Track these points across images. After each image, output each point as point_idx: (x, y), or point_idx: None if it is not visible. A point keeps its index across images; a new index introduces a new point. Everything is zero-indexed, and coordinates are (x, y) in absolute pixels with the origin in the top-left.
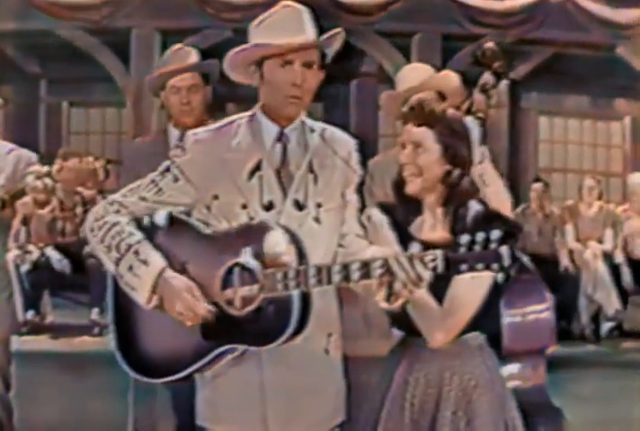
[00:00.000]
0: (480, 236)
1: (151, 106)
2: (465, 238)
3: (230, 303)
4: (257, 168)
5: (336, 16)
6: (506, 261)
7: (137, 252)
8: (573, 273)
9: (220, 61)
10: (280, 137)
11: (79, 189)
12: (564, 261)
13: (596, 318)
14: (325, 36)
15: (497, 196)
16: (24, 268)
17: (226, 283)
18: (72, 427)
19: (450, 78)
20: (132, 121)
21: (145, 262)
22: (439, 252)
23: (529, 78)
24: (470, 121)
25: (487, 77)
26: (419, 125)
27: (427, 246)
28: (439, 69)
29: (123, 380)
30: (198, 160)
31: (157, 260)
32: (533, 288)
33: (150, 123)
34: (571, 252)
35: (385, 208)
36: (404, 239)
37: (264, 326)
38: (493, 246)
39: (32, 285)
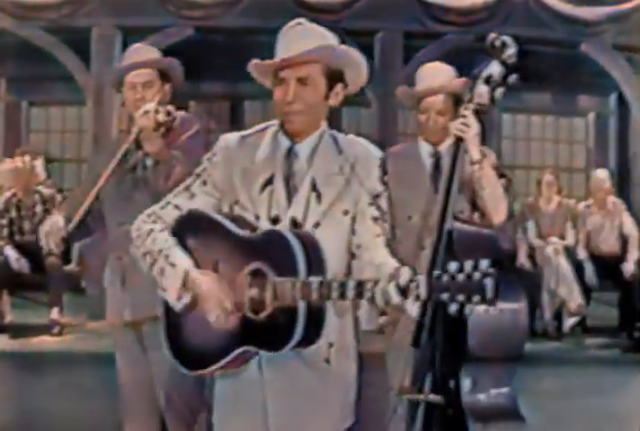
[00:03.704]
0: (468, 265)
1: (112, 104)
2: (453, 266)
3: (252, 306)
4: (269, 182)
5: (300, 15)
6: (489, 294)
7: (167, 256)
8: (530, 270)
9: (184, 59)
10: (289, 153)
11: (39, 188)
12: (521, 258)
13: (558, 315)
14: (306, 50)
15: (493, 199)
16: None
17: (249, 285)
18: (29, 427)
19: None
20: (93, 120)
21: (172, 265)
22: (421, 278)
23: None
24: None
25: (495, 68)
26: None
27: None
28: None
29: (81, 379)
30: (223, 166)
31: (184, 262)
32: (508, 287)
33: (111, 121)
34: (533, 249)
35: None
36: None
37: (275, 332)
38: (477, 276)
39: None
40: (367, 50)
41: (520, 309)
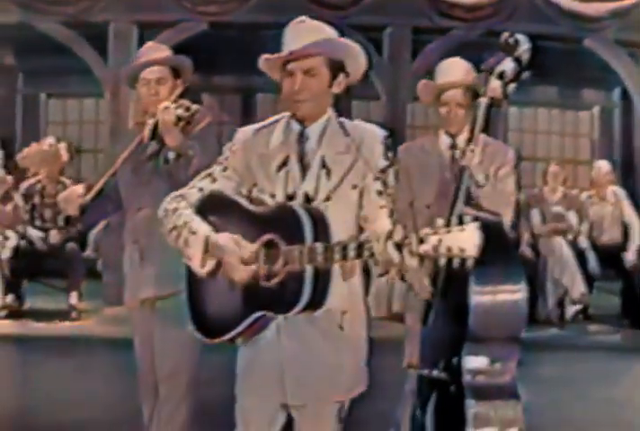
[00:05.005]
0: (454, 220)
1: (128, 97)
2: (439, 222)
3: (264, 274)
4: (284, 163)
5: (311, 11)
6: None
7: (190, 227)
8: (531, 257)
9: (197, 53)
10: (301, 136)
11: (63, 178)
12: (523, 246)
13: (561, 303)
14: (307, 44)
15: (496, 209)
16: (4, 254)
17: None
18: (47, 409)
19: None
20: (110, 111)
21: (194, 233)
22: (412, 235)
23: None
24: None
25: (508, 64)
26: None
27: None
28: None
29: (99, 363)
30: (242, 153)
31: (204, 228)
32: (509, 269)
33: (127, 113)
34: (536, 238)
35: None
36: None
37: (285, 296)
38: (458, 229)
39: (13, 270)
40: (376, 45)
41: (520, 290)
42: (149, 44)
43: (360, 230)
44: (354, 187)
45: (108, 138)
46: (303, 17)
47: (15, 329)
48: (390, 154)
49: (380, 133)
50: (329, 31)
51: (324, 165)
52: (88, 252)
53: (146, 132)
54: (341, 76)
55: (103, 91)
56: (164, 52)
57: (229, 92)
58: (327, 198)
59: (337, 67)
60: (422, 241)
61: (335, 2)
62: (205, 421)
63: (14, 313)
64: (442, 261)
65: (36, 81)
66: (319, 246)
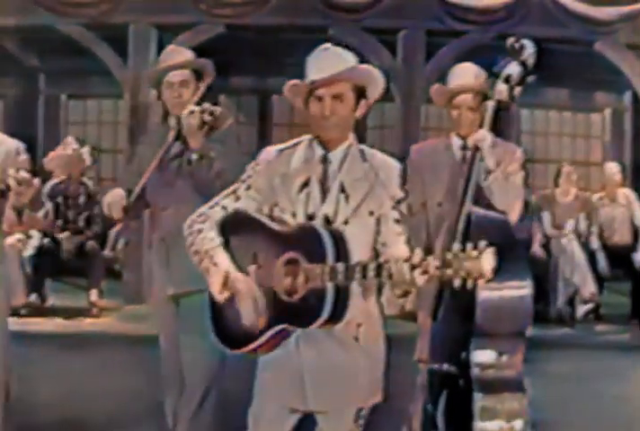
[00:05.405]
0: (469, 246)
1: (147, 98)
2: (455, 246)
3: (286, 290)
4: (306, 184)
5: (326, 14)
6: (485, 269)
7: (212, 256)
8: (542, 258)
9: (214, 55)
10: (324, 160)
11: (84, 179)
12: (535, 246)
13: (572, 303)
14: (337, 71)
15: (504, 203)
16: (27, 252)
17: (284, 273)
18: (70, 403)
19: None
20: (129, 112)
21: (215, 264)
22: (430, 258)
23: None
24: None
25: (514, 68)
26: None
27: None
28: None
29: (119, 359)
30: (265, 173)
31: (225, 263)
32: (515, 266)
33: (146, 114)
34: (548, 238)
35: None
36: None
37: (307, 311)
38: (474, 254)
39: (35, 269)
40: (390, 48)
41: (526, 287)
42: (172, 47)
43: (376, 254)
44: (371, 213)
45: (127, 139)
46: (327, 44)
47: (40, 326)
48: (406, 187)
49: (397, 165)
50: (351, 58)
51: (342, 190)
52: (106, 252)
53: (171, 133)
54: (362, 101)
55: (123, 92)
56: (186, 55)
57: (246, 94)
58: (345, 222)
59: (360, 92)
60: (443, 264)
61: (351, 5)
62: (229, 417)
63: (38, 311)
64: (457, 283)
65: (57, 82)
66: (340, 266)
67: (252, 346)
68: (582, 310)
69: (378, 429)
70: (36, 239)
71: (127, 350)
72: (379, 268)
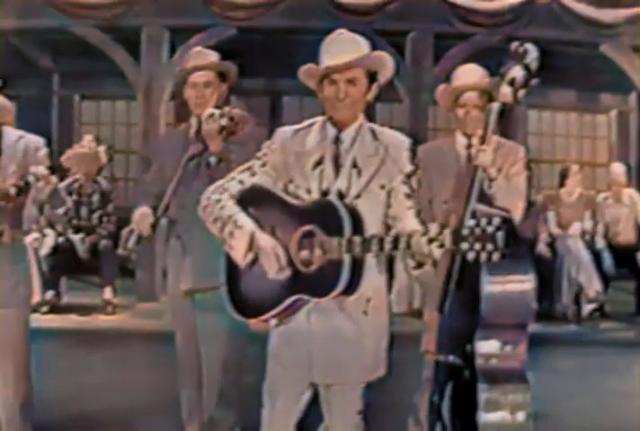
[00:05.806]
0: (483, 221)
1: (160, 99)
2: (470, 222)
3: (303, 261)
4: (320, 162)
5: (336, 16)
6: (499, 243)
7: (235, 221)
8: (548, 257)
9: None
10: (337, 139)
11: (99, 178)
12: (540, 246)
13: (578, 301)
14: (353, 58)
15: (506, 205)
16: (43, 251)
17: (301, 245)
18: (84, 398)
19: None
20: (142, 113)
21: (240, 227)
22: (446, 231)
23: None
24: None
25: (518, 71)
26: None
27: None
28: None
29: (133, 355)
30: (280, 151)
31: (249, 225)
32: (518, 261)
33: (159, 115)
34: (553, 238)
35: None
36: None
37: (323, 282)
38: (490, 229)
39: (52, 267)
40: (399, 50)
41: (529, 280)
42: (199, 49)
43: (387, 227)
44: (382, 187)
45: (140, 140)
46: (342, 29)
47: (57, 322)
48: (415, 160)
49: (406, 140)
50: (365, 44)
51: (355, 165)
52: (120, 250)
53: (191, 131)
54: (374, 84)
55: (135, 93)
56: (212, 57)
57: (258, 95)
58: (358, 196)
59: (373, 77)
60: (458, 238)
61: (361, 8)
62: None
63: (54, 308)
64: (471, 256)
65: (71, 83)
66: (357, 238)
67: (267, 315)
68: (587, 309)
69: (384, 425)
70: (51, 238)
71: (140, 346)
72: (396, 240)
